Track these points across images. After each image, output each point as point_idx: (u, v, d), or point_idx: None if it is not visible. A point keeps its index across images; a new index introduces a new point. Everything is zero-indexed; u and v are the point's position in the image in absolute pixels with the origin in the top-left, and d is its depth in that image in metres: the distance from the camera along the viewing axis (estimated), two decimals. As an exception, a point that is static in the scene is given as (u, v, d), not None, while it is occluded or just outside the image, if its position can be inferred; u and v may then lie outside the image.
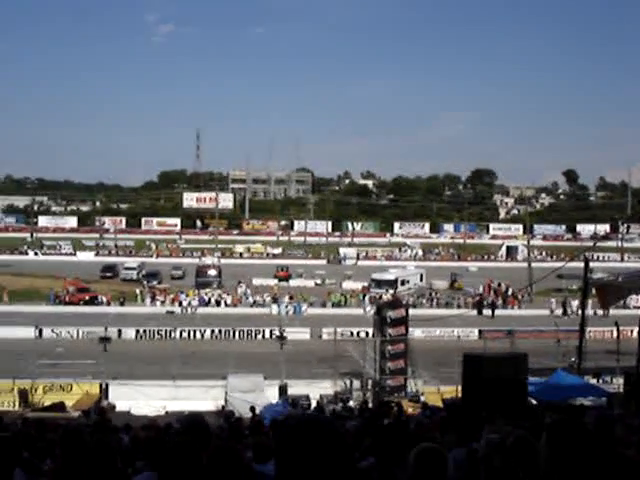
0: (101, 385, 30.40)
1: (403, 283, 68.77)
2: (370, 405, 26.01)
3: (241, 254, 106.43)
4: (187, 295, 61.09)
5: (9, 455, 4.10)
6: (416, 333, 42.35)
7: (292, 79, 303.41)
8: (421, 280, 73.43)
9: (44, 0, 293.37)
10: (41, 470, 4.76)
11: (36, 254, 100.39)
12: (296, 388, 30.79)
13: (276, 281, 74.06)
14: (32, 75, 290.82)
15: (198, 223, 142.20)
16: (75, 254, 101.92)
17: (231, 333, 47.36)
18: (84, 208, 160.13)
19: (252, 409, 21.27)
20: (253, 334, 47.80)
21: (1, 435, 4.31)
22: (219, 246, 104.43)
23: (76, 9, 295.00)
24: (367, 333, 41.04)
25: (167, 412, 28.02)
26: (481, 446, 4.89)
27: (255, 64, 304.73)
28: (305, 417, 2.19)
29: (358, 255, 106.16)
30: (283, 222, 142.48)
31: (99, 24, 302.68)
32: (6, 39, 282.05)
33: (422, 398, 27.60)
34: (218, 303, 60.85)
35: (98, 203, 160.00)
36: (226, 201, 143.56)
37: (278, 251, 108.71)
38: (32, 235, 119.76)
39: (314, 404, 27.67)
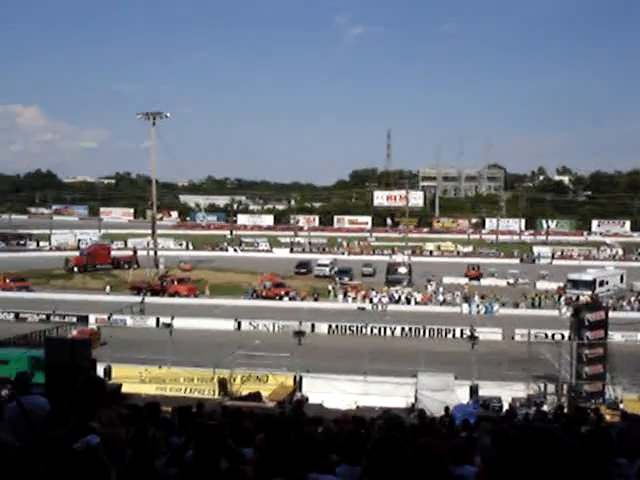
0: (295, 377, 31.27)
1: (602, 284, 65.50)
2: (565, 410, 25.01)
3: (431, 252, 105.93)
4: (378, 292, 61.66)
5: (216, 443, 4.34)
6: (616, 337, 40.21)
7: (483, 74, 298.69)
8: (621, 281, 69.59)
9: (235, 7, 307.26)
10: (244, 458, 4.99)
11: (235, 250, 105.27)
12: (487, 389, 30.16)
13: (467, 280, 73.01)
14: (234, 81, 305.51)
15: (388, 221, 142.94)
16: (271, 251, 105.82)
17: (421, 331, 47.13)
18: (280, 207, 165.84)
19: (446, 409, 21.12)
20: (443, 333, 47.33)
21: (210, 423, 4.58)
22: (409, 244, 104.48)
23: (267, 14, 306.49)
24: (563, 336, 39.62)
25: (358, 407, 28.38)
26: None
27: (445, 61, 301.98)
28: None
29: (553, 254, 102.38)
30: (474, 220, 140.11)
31: (291, 28, 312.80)
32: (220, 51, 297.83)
33: (621, 406, 26.19)
34: (408, 301, 60.92)
35: (293, 202, 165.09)
36: (416, 199, 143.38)
37: (469, 249, 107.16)
38: (231, 232, 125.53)
39: (506, 407, 27.00)
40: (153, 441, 5.46)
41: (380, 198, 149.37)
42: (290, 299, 61.61)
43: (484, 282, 74.06)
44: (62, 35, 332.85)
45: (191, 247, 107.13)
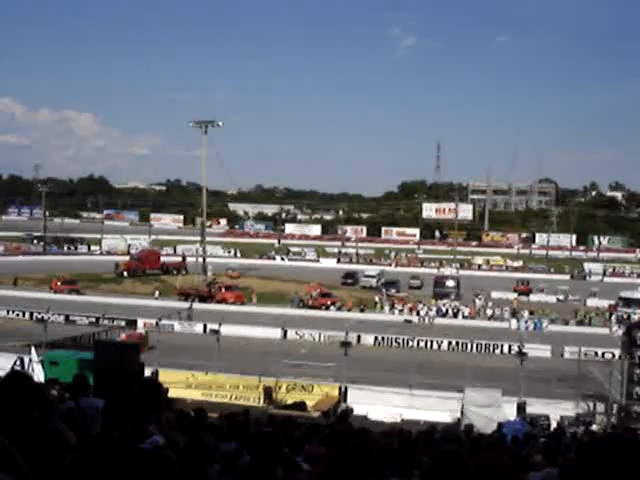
0: (340, 388, 31.18)
1: (655, 302, 64.03)
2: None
3: (480, 266, 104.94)
4: (425, 305, 61.27)
5: (272, 451, 4.31)
6: (670, 358, 39.24)
7: (535, 87, 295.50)
8: (675, 300, 67.93)
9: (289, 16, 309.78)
10: (300, 467, 4.97)
11: (282, 259, 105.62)
12: (535, 407, 29.68)
13: (516, 295, 72.03)
14: (285, 90, 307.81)
15: (437, 233, 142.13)
16: (318, 260, 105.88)
17: (468, 345, 46.65)
18: (327, 217, 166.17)
19: (499, 425, 20.84)
20: (491, 348, 46.78)
21: (266, 431, 4.57)
22: (457, 257, 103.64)
23: (321, 23, 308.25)
24: (613, 354, 38.86)
25: (403, 420, 28.17)
26: None
27: (497, 74, 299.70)
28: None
29: (604, 271, 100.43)
30: (524, 234, 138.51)
31: (344, 39, 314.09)
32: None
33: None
34: (455, 314, 60.40)
35: (341, 212, 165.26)
36: (465, 212, 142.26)
37: (518, 264, 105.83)
38: (279, 241, 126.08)
39: (554, 425, 26.54)
40: (207, 447, 5.47)
41: (429, 210, 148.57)
42: (336, 309, 61.57)
43: (533, 298, 73.03)
44: (116, 43, 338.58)
45: (239, 255, 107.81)
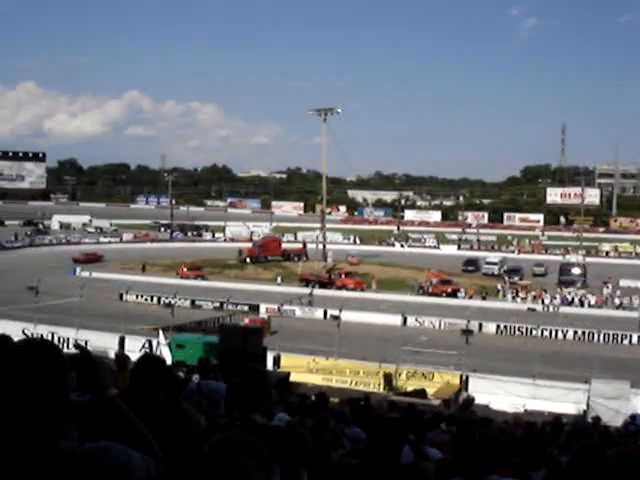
0: (461, 376, 30.76)
1: None
2: None
3: (607, 253, 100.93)
4: (549, 293, 59.60)
5: (399, 437, 4.27)
6: None
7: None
8: None
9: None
10: (426, 455, 4.92)
11: (402, 246, 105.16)
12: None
13: (646, 283, 68.97)
14: (404, 76, 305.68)
15: (562, 219, 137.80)
16: (438, 247, 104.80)
17: (595, 335, 45.03)
18: (448, 203, 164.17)
19: (633, 417, 20.03)
20: (619, 338, 44.96)
21: (392, 417, 4.54)
22: (584, 244, 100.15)
23: (441, 7, 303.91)
24: None
25: (526, 410, 27.57)
26: None
27: (622, 53, 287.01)
28: None
29: None
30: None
31: (464, 22, 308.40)
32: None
33: None
34: (582, 303, 58.46)
35: (461, 198, 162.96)
36: (592, 197, 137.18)
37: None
38: (398, 228, 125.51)
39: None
40: (333, 432, 5.48)
41: (553, 195, 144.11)
42: (457, 297, 60.79)
43: (666, 286, 69.68)
44: (237, 35, 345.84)
45: (358, 241, 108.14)
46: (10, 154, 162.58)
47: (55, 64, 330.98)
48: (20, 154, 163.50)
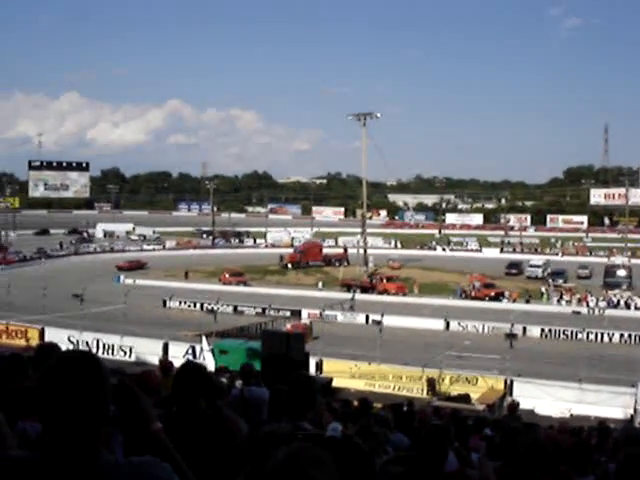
0: (506, 381, 30.43)
1: None
2: None
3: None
4: (594, 296, 58.71)
5: (443, 444, 4.24)
6: None
7: None
8: None
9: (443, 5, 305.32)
10: (471, 462, 4.87)
11: (444, 250, 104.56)
12: None
13: (694, 285, 67.60)
14: (442, 79, 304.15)
15: (606, 220, 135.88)
16: (481, 250, 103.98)
17: (641, 338, 44.24)
18: (489, 205, 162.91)
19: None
20: (667, 341, 44.13)
21: (436, 424, 4.51)
22: (629, 245, 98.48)
23: (476, 9, 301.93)
24: None
25: (572, 415, 27.17)
26: None
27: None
28: None
29: None
30: None
31: (502, 24, 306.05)
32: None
33: None
34: (627, 305, 57.47)
35: (503, 200, 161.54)
36: (636, 197, 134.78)
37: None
38: (440, 231, 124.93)
39: None
40: (376, 438, 5.46)
41: (597, 196, 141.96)
42: (500, 300, 60.18)
43: None
44: (277, 43, 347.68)
45: (399, 246, 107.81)
46: (54, 164, 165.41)
47: (98, 75, 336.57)
48: (64, 164, 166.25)
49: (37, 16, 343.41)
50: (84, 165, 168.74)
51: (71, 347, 33.97)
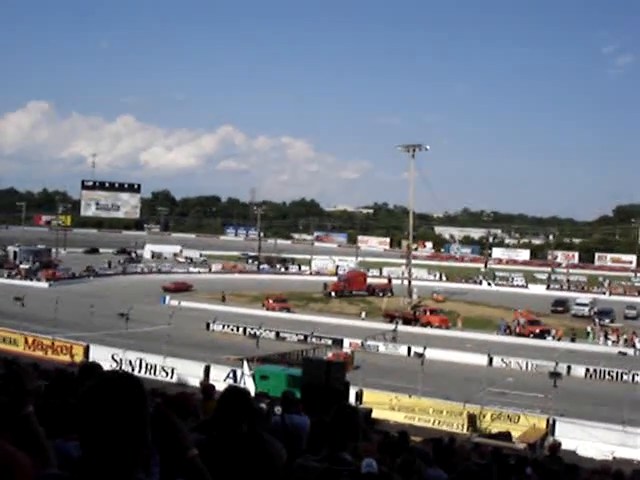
0: (548, 420, 29.96)
1: None
2: None
3: None
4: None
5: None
6: None
7: None
8: None
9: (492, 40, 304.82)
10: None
11: (489, 284, 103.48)
12: None
13: None
14: (492, 113, 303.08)
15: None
16: (527, 286, 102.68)
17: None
18: (536, 241, 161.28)
19: None
20: None
21: (479, 463, 4.56)
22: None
23: (529, 46, 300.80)
24: None
25: (614, 458, 26.62)
26: None
27: None
28: None
29: None
30: None
31: (555, 61, 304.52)
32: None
33: None
34: (676, 348, 56.17)
35: (551, 237, 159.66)
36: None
37: None
38: (486, 266, 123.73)
39: None
40: (418, 473, 5.49)
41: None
42: (545, 338, 59.31)
43: None
44: (327, 71, 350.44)
45: (444, 278, 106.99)
46: (107, 184, 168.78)
47: (153, 99, 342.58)
48: (116, 185, 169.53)
49: (98, 41, 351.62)
50: (135, 187, 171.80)
51: (114, 365, 34.50)
